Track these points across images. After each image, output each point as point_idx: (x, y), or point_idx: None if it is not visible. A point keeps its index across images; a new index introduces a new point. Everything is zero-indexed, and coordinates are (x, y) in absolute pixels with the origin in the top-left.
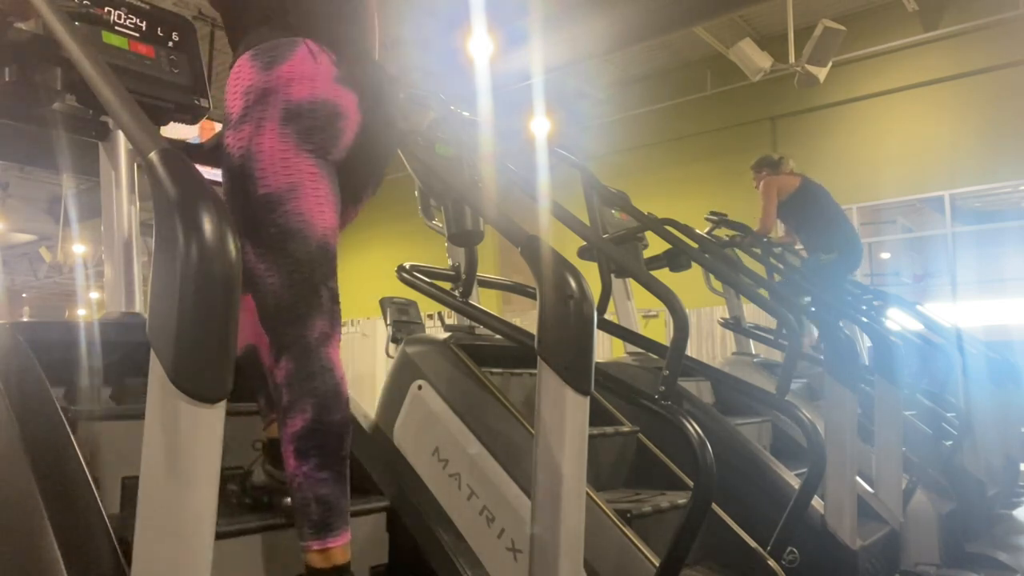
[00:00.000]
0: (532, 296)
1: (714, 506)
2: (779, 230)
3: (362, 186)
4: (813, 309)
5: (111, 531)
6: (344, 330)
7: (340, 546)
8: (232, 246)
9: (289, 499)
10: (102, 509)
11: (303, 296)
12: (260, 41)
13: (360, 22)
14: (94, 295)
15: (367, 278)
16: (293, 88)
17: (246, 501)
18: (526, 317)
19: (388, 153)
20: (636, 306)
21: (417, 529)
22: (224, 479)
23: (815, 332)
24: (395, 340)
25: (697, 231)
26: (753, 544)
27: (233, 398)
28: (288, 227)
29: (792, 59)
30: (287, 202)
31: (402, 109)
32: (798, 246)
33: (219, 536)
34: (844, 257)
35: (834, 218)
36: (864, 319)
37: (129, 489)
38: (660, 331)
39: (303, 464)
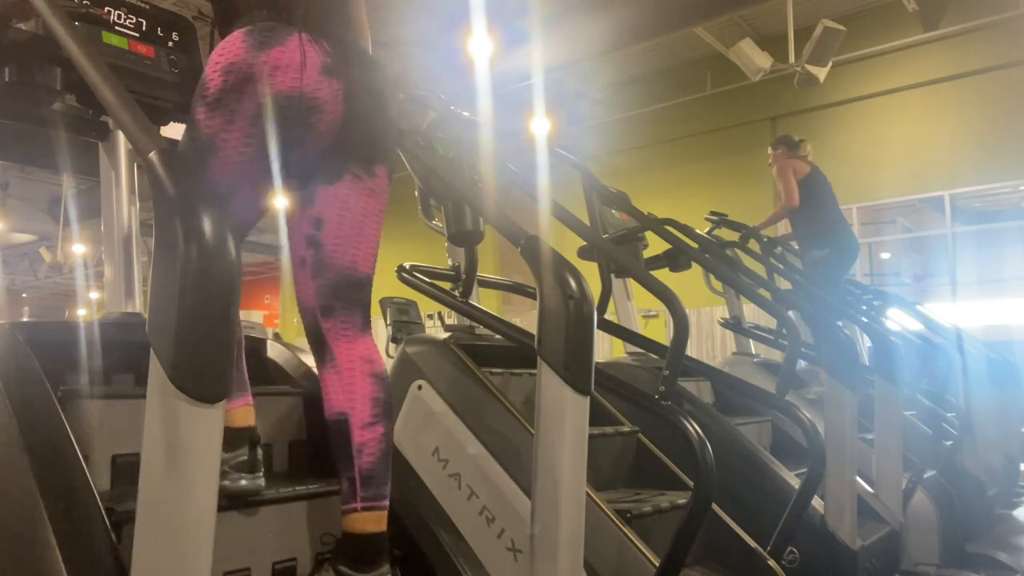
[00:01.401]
0: (532, 296)
1: (714, 506)
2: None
3: (367, 157)
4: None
5: (111, 531)
6: None
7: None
8: (232, 246)
9: None
10: (101, 508)
11: None
12: (255, 22)
13: (348, 14)
14: (94, 295)
15: None
16: (277, 77)
17: None
18: (526, 317)
19: (384, 128)
20: (636, 306)
21: (417, 529)
22: (280, 573)
23: None
24: (395, 340)
25: (697, 231)
26: (753, 544)
27: (299, 477)
28: None
29: (792, 59)
30: None
31: (402, 109)
32: (791, 242)
33: None
34: (838, 254)
35: (832, 214)
36: (864, 319)
37: (120, 467)
38: (660, 331)
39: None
